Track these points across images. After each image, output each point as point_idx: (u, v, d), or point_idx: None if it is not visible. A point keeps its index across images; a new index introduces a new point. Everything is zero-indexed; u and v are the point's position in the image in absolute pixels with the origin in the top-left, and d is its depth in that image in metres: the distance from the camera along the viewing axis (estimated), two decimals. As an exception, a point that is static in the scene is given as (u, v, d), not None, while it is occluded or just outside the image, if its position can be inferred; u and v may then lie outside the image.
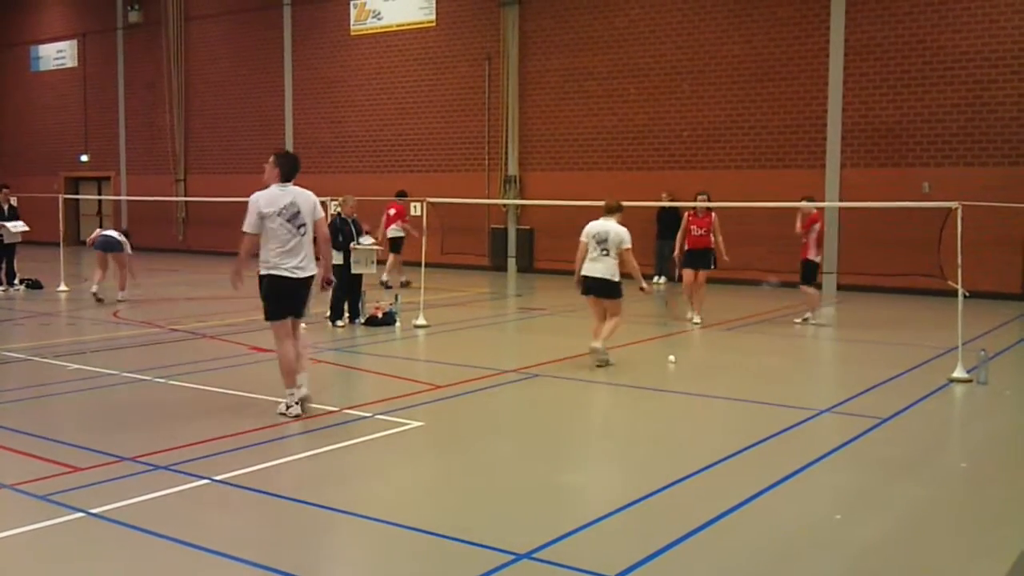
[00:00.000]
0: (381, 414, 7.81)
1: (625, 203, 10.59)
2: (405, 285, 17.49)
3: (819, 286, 14.59)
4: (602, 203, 10.51)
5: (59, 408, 8.37)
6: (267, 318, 7.85)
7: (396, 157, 24.21)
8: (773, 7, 18.85)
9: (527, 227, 22.30)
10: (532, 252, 22.19)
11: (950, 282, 10.41)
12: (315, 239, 7.98)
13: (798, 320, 13.59)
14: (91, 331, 13.05)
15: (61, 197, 20.53)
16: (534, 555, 4.78)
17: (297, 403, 7.70)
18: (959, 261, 9.91)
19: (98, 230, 16.37)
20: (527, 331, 13.90)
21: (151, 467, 6.26)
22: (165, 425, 7.49)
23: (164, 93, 28.80)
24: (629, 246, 10.06)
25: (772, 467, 6.38)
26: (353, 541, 5.23)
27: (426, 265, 13.79)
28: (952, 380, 9.30)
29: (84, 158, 31.37)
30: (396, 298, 13.91)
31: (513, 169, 22.26)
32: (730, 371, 10.33)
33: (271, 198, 7.70)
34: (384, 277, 17.81)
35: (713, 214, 13.43)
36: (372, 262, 13.18)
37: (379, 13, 24.32)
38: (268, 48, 26.58)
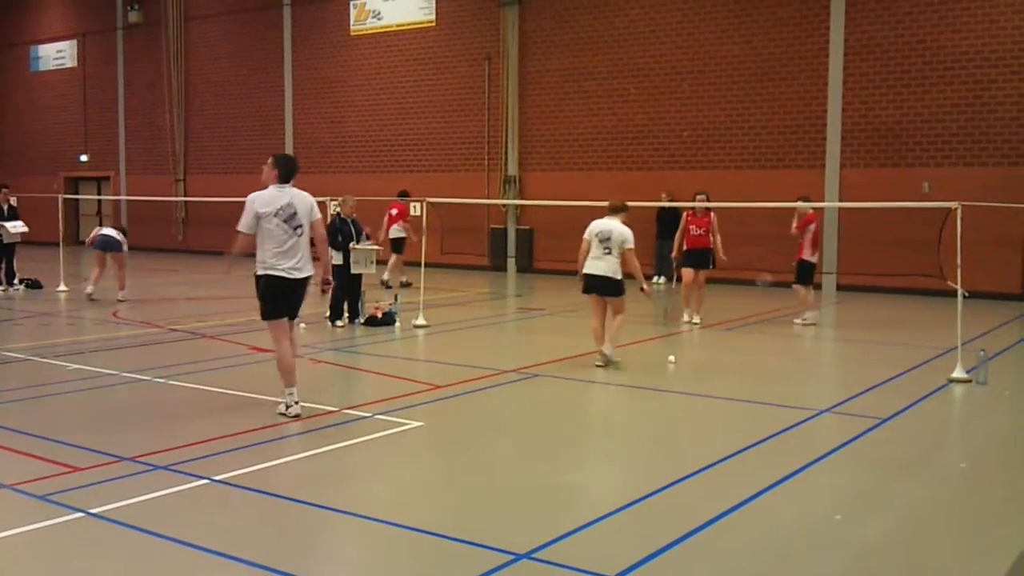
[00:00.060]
0: (381, 414, 7.81)
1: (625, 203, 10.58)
2: (405, 285, 17.50)
3: (818, 286, 14.60)
4: (603, 203, 10.52)
5: (59, 408, 8.37)
6: (264, 317, 7.90)
7: (396, 157, 24.21)
8: (773, 7, 18.86)
9: (527, 227, 22.30)
10: (532, 252, 22.19)
11: (950, 282, 10.41)
12: (312, 241, 7.99)
13: (798, 320, 13.59)
14: (91, 331, 13.05)
15: (61, 197, 20.53)
16: (534, 555, 4.78)
17: (297, 402, 7.70)
18: (959, 261, 9.91)
19: (97, 228, 16.34)
20: (527, 331, 13.90)
21: (150, 467, 6.26)
22: (165, 425, 7.49)
23: (164, 93, 28.80)
24: (632, 246, 10.07)
25: (772, 467, 6.38)
26: (353, 541, 5.23)
27: (426, 265, 13.79)
28: (952, 380, 9.30)
29: (84, 158, 31.37)
30: (396, 298, 13.91)
31: (513, 169, 22.26)
32: (730, 371, 10.33)
33: (268, 199, 7.74)
34: (385, 276, 17.81)
35: (712, 214, 13.42)
36: (371, 262, 13.18)
37: (379, 13, 24.32)
38: (268, 48, 26.58)
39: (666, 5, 20.08)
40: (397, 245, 18.02)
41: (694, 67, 19.82)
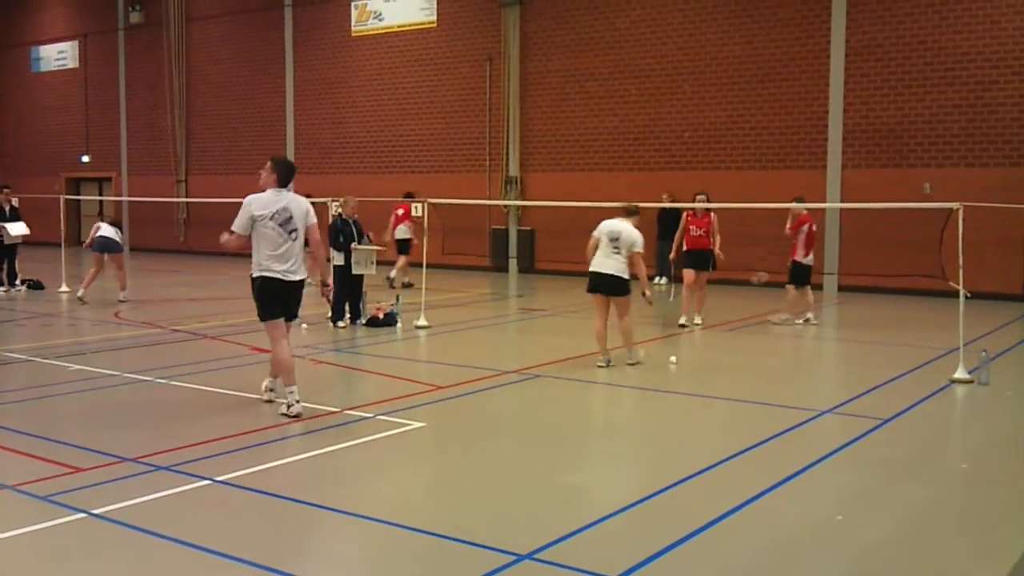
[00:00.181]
0: (382, 415, 7.81)
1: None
2: (407, 286, 17.50)
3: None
4: (604, 204, 10.58)
5: (61, 409, 8.37)
6: (261, 319, 7.98)
7: (397, 158, 24.22)
8: (774, 8, 18.86)
9: (528, 228, 22.30)
10: (533, 253, 22.20)
11: (951, 283, 10.41)
12: (307, 245, 8.05)
13: (799, 321, 13.59)
14: (92, 332, 13.05)
15: (62, 198, 20.54)
16: (535, 556, 4.78)
17: (298, 401, 7.72)
18: (960, 262, 9.91)
19: (96, 227, 16.06)
20: (528, 332, 13.90)
21: (153, 468, 6.27)
22: (167, 426, 7.49)
23: (165, 94, 28.82)
24: (641, 250, 10.10)
25: (773, 468, 6.38)
26: (354, 542, 5.23)
27: (427, 266, 13.80)
28: (953, 381, 9.29)
29: (85, 159, 31.40)
30: (397, 299, 13.92)
31: (514, 170, 22.27)
32: (731, 372, 10.33)
33: (265, 202, 7.80)
34: (392, 274, 17.91)
35: (712, 214, 13.41)
36: (372, 263, 13.18)
37: (380, 14, 24.33)
38: (269, 49, 26.60)
39: (667, 6, 20.09)
40: (403, 246, 18.05)
41: (695, 68, 19.82)
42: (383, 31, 24.32)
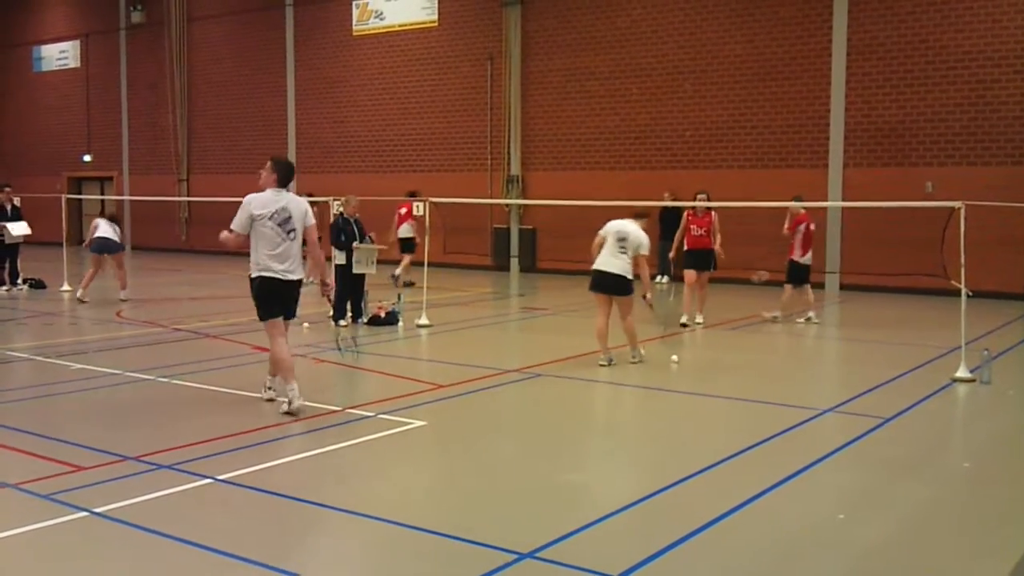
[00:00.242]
0: (384, 414, 7.81)
1: (627, 203, 10.65)
2: (408, 285, 17.51)
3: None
4: (605, 202, 10.58)
5: (62, 407, 8.38)
6: (261, 318, 8.03)
7: (398, 157, 24.22)
8: (775, 7, 18.84)
9: (529, 227, 22.30)
10: (535, 252, 22.19)
11: (953, 282, 10.40)
12: (304, 245, 8.12)
13: (800, 320, 13.59)
14: (94, 331, 13.06)
15: (64, 197, 20.56)
16: (537, 554, 4.78)
17: (298, 397, 7.74)
18: (962, 261, 9.90)
19: (94, 225, 15.91)
20: (530, 331, 13.90)
21: (154, 466, 6.27)
22: (168, 424, 7.50)
23: (167, 93, 28.83)
24: (647, 253, 10.15)
25: (775, 467, 6.38)
26: (356, 540, 5.23)
27: (429, 265, 13.79)
28: (955, 380, 9.28)
29: (87, 158, 31.42)
30: (399, 298, 13.92)
31: (515, 169, 22.27)
32: (733, 370, 10.33)
33: (264, 201, 7.86)
34: (397, 271, 17.99)
35: (713, 213, 13.40)
36: (373, 262, 13.17)
37: (381, 13, 24.33)
38: (270, 48, 26.60)
39: (668, 5, 20.08)
40: (407, 245, 18.10)
41: (696, 67, 19.81)
42: (384, 30, 24.32)
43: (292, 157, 25.84)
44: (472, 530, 5.16)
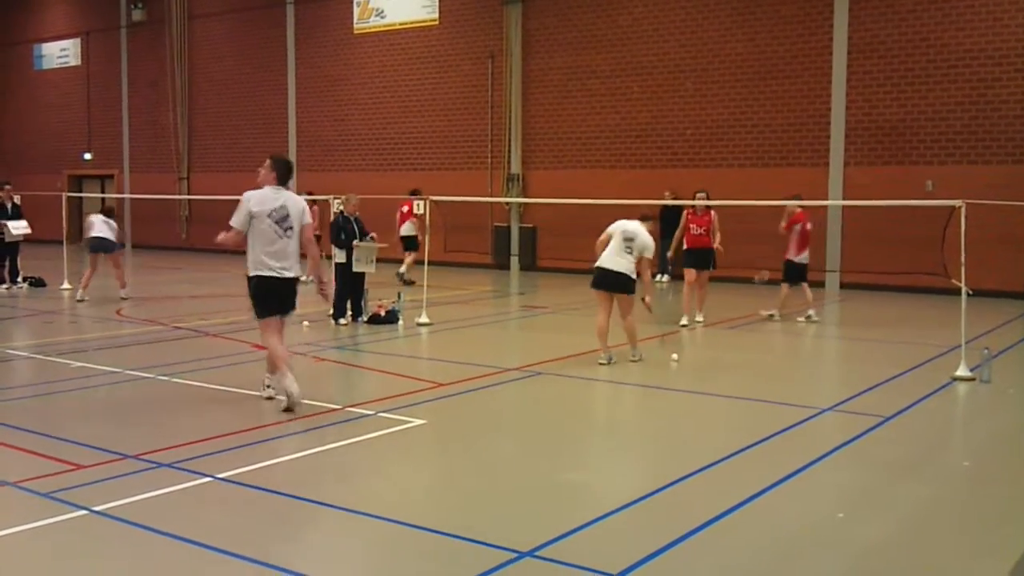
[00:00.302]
0: (384, 412, 7.82)
1: (628, 201, 10.66)
2: (409, 284, 17.53)
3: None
4: (606, 201, 10.58)
5: (62, 406, 8.38)
6: (258, 316, 8.08)
7: (399, 155, 24.22)
8: (776, 5, 18.83)
9: (530, 225, 22.30)
10: (535, 250, 22.19)
11: (953, 280, 10.40)
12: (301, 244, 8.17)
13: (801, 318, 13.58)
14: (94, 329, 13.06)
15: (64, 195, 20.55)
16: (536, 553, 4.78)
17: (296, 387, 7.76)
18: (962, 259, 9.89)
19: (89, 223, 15.72)
20: (530, 329, 13.90)
21: (154, 465, 6.27)
22: (168, 423, 7.50)
23: (167, 91, 28.83)
24: (651, 256, 10.18)
25: (775, 465, 6.38)
26: (356, 539, 5.23)
27: (429, 263, 13.79)
28: (955, 378, 9.28)
29: (87, 156, 31.42)
30: (399, 296, 13.91)
31: (516, 167, 22.26)
32: (732, 369, 10.32)
33: (263, 198, 7.92)
34: (401, 269, 18.04)
35: (713, 212, 13.39)
36: (372, 261, 13.16)
37: (382, 11, 24.32)
38: (271, 46, 26.60)
39: (669, 3, 20.06)
40: (409, 243, 18.14)
41: (697, 65, 19.80)
42: (385, 28, 24.31)
43: (293, 155, 25.86)
44: (472, 528, 5.16)
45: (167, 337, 11.97)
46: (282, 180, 8.01)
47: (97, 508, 5.37)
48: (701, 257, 13.28)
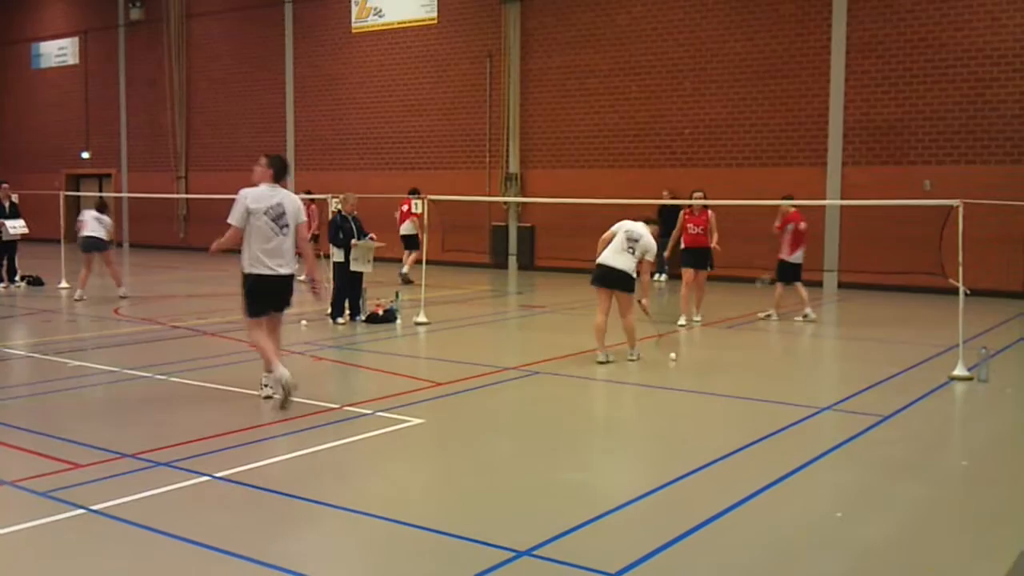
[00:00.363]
0: (382, 411, 7.81)
1: (626, 201, 10.67)
2: (408, 283, 17.55)
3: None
4: (604, 200, 10.58)
5: (60, 405, 8.37)
6: (249, 315, 8.13)
7: (397, 154, 24.21)
8: (775, 4, 18.83)
9: (528, 225, 22.30)
10: (533, 249, 22.19)
11: (951, 280, 10.40)
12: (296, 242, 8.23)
13: (798, 318, 13.59)
14: (92, 328, 13.05)
15: (62, 194, 20.54)
16: (534, 552, 4.78)
17: (287, 374, 7.82)
18: (960, 259, 9.90)
19: (80, 220, 15.65)
20: (528, 328, 13.90)
21: (152, 464, 6.26)
22: (166, 422, 7.49)
23: (165, 90, 28.81)
24: (652, 259, 10.25)
25: (773, 465, 6.38)
26: (354, 538, 5.23)
27: (427, 262, 13.78)
28: (953, 378, 9.29)
29: (85, 155, 31.39)
30: (397, 295, 13.91)
31: (514, 166, 22.26)
32: (731, 368, 10.33)
33: (259, 196, 7.98)
34: (404, 270, 18.06)
35: (710, 212, 13.39)
36: (369, 260, 13.14)
37: (380, 10, 24.31)
38: (269, 45, 26.58)
39: (668, 3, 20.06)
40: (408, 242, 18.15)
41: (696, 64, 19.80)
42: (383, 27, 24.30)
43: (291, 154, 25.88)
44: (470, 528, 5.15)
45: (165, 336, 11.96)
46: (278, 177, 8.08)
47: (95, 507, 5.37)
48: (699, 256, 13.29)
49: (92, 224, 15.53)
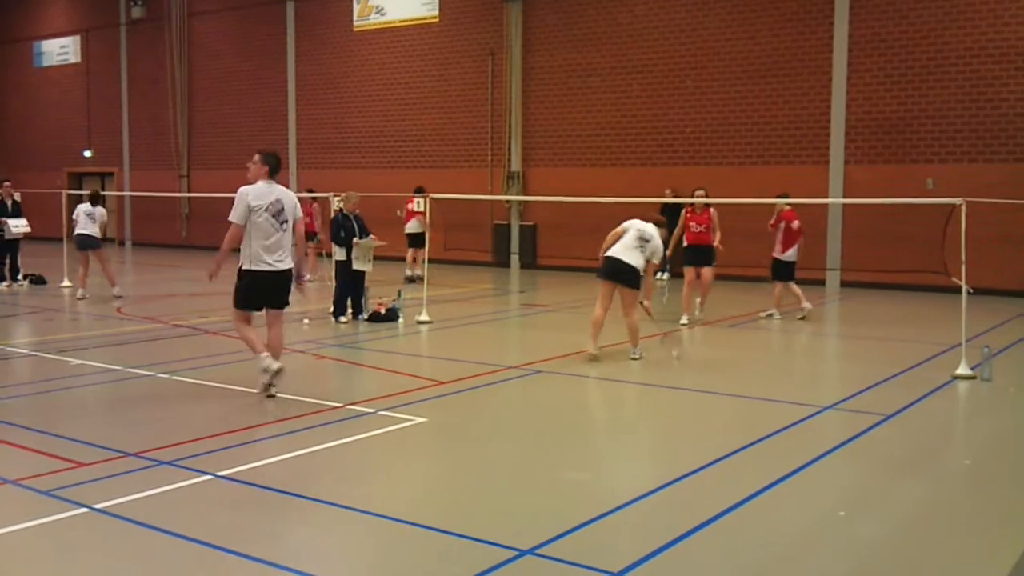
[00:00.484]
0: (384, 410, 7.81)
1: (628, 199, 10.68)
2: (410, 281, 17.56)
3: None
4: (606, 199, 10.58)
5: (63, 403, 8.38)
6: (236, 306, 8.27)
7: (399, 153, 24.21)
8: (777, 2, 18.81)
9: (530, 223, 22.29)
10: (535, 248, 22.18)
11: (954, 279, 10.39)
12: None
13: (799, 316, 13.57)
14: (94, 326, 13.06)
15: (64, 193, 20.55)
16: (537, 551, 4.78)
17: (270, 360, 8.02)
18: (963, 257, 9.89)
19: (74, 217, 15.59)
20: (530, 327, 13.90)
21: (154, 462, 6.27)
22: (168, 420, 7.50)
23: (167, 89, 28.81)
24: (658, 261, 10.30)
25: (776, 464, 6.38)
26: (356, 537, 5.23)
27: (429, 261, 13.78)
28: (956, 377, 9.28)
29: (87, 154, 31.41)
30: (399, 294, 13.91)
31: (516, 165, 22.25)
32: (733, 367, 10.32)
33: (259, 192, 8.08)
34: (407, 271, 18.08)
35: (712, 210, 13.39)
36: (369, 259, 13.13)
37: (382, 9, 24.30)
38: (271, 44, 26.58)
39: (670, 1, 20.04)
40: (414, 240, 18.16)
41: (698, 63, 19.78)
42: (385, 26, 24.29)
43: (292, 153, 25.90)
44: (473, 526, 5.16)
45: (167, 335, 11.97)
46: (273, 173, 8.18)
47: (98, 506, 5.37)
48: (701, 254, 13.28)
49: (83, 221, 15.50)
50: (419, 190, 18.66)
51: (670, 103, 20.17)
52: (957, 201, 9.99)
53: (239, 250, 8.18)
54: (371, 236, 13.13)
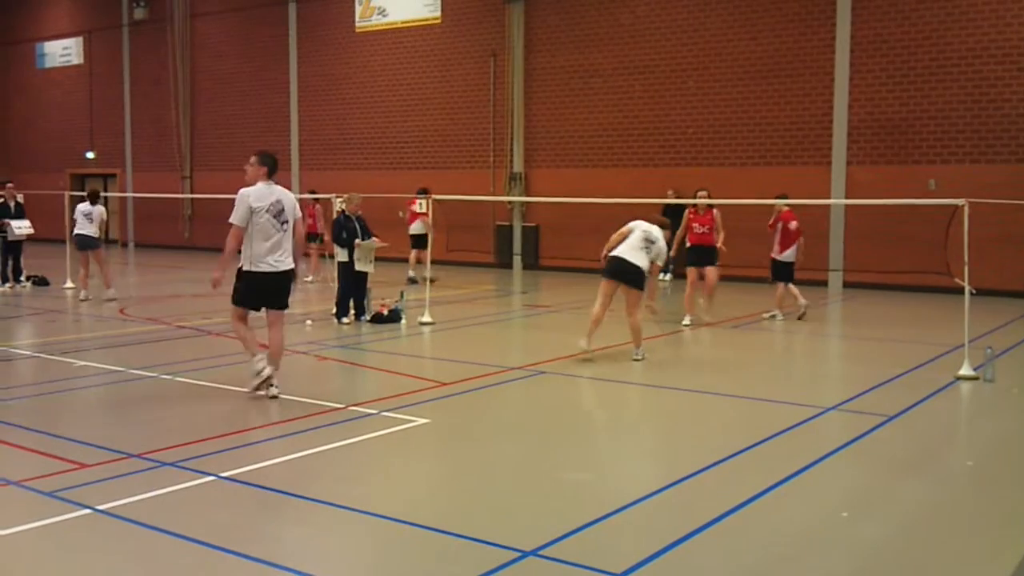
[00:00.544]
0: (387, 411, 7.82)
1: (630, 200, 10.69)
2: (413, 282, 17.57)
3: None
4: (608, 200, 10.59)
5: (65, 404, 8.39)
6: (234, 302, 8.33)
7: (401, 154, 24.21)
8: (779, 3, 18.80)
9: (532, 224, 22.29)
10: (537, 249, 22.18)
11: (956, 279, 10.39)
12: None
13: (798, 316, 13.55)
14: (97, 328, 13.07)
15: (67, 194, 20.57)
16: (540, 552, 4.78)
17: (264, 363, 8.06)
18: (966, 258, 9.87)
19: (75, 212, 15.60)
20: (533, 328, 13.90)
21: (157, 463, 6.27)
22: (171, 421, 7.50)
23: (170, 90, 28.84)
24: (662, 263, 10.35)
25: (779, 464, 6.37)
26: (358, 538, 5.23)
27: (432, 262, 13.77)
28: (959, 378, 9.27)
29: (90, 155, 31.44)
30: (401, 295, 13.91)
31: (518, 166, 22.25)
32: (736, 368, 10.32)
33: (260, 194, 8.11)
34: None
35: (715, 210, 13.39)
36: (371, 261, 13.13)
37: (384, 10, 24.31)
38: (273, 45, 26.60)
39: (672, 2, 20.04)
40: (417, 241, 18.15)
41: (700, 64, 19.78)
42: (387, 27, 24.30)
43: (295, 154, 25.92)
44: (475, 528, 5.16)
45: (170, 336, 11.98)
46: (271, 174, 8.21)
47: (100, 507, 5.37)
48: (704, 254, 13.28)
49: (81, 221, 15.54)
50: (423, 191, 18.64)
51: (672, 104, 20.16)
52: (959, 202, 9.98)
53: (239, 252, 8.18)
54: (373, 237, 13.13)
